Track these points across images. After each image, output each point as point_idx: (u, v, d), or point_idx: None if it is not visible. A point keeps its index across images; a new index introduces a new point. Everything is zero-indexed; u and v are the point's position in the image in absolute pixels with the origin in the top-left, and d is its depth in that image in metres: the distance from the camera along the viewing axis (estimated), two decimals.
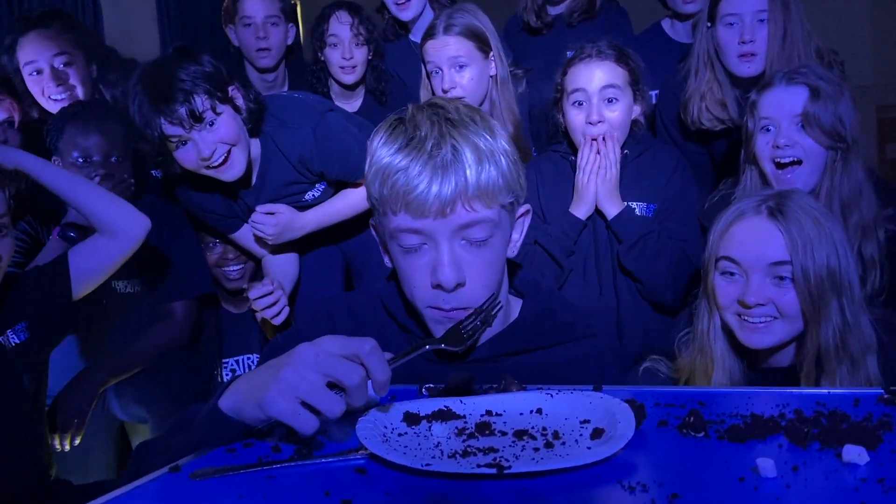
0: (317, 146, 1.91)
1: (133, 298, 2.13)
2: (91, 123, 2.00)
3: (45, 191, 1.77)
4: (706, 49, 1.96)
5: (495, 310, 1.00)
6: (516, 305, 1.18)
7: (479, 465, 0.69)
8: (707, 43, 1.96)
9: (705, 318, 1.38)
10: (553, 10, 2.56)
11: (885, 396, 0.88)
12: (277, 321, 1.92)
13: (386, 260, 1.13)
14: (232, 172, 1.83)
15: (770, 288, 1.29)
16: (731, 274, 1.33)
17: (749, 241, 1.31)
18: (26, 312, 1.68)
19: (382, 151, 1.00)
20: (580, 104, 1.88)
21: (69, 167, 1.98)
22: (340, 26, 2.36)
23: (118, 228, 1.75)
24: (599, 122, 1.86)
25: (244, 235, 2.08)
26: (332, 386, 0.77)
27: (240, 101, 1.83)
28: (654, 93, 2.27)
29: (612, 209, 1.89)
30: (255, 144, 1.93)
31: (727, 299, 1.33)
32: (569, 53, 2.00)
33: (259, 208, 2.00)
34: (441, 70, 2.05)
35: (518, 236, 1.12)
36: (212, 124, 1.76)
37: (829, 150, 1.62)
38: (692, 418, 0.80)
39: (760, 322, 1.29)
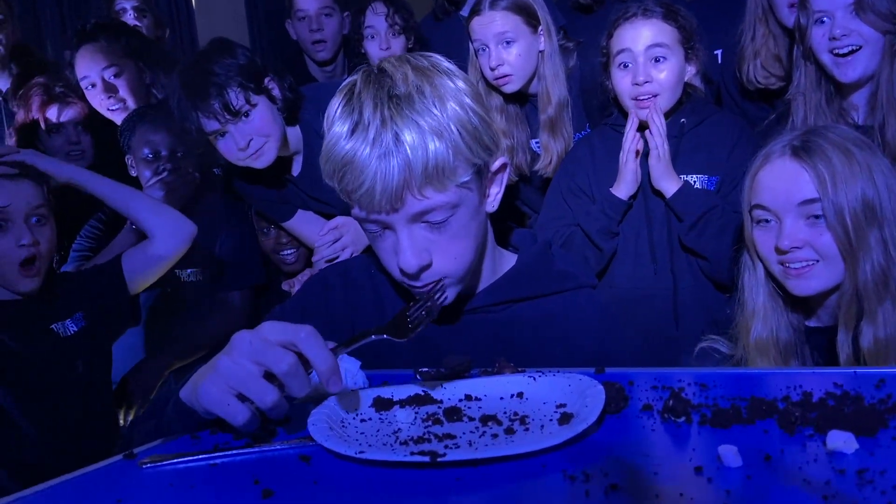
0: None
1: (196, 287, 2.22)
2: (158, 123, 2.13)
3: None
4: (759, 4, 1.82)
5: (440, 300, 0.95)
6: (511, 259, 1.15)
7: (412, 454, 0.65)
8: None
9: (747, 272, 1.30)
10: None
11: None
12: None
13: None
14: (263, 160, 1.86)
15: (804, 229, 1.20)
16: (766, 221, 1.25)
17: (776, 184, 1.22)
18: (83, 304, 1.79)
19: (334, 131, 0.96)
20: (626, 66, 1.77)
21: (141, 163, 2.14)
22: (376, 17, 2.35)
23: (165, 234, 1.85)
24: (647, 82, 1.73)
25: (297, 223, 2.11)
26: (271, 376, 0.74)
27: (275, 91, 1.85)
28: (718, 52, 2.12)
29: (669, 186, 1.76)
30: (297, 132, 1.94)
31: (766, 249, 1.25)
32: None
33: (319, 234, 2.03)
34: (488, 47, 1.98)
35: (498, 189, 1.06)
36: (246, 115, 1.78)
37: (887, 34, 1.51)
38: (672, 401, 0.72)
39: (803, 267, 1.20)
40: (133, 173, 2.15)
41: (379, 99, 0.93)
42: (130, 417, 2.01)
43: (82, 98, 2.32)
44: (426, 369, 0.98)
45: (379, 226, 0.98)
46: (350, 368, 0.96)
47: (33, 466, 1.67)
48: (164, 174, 2.09)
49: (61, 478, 0.72)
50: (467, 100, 0.96)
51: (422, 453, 0.64)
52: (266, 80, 1.83)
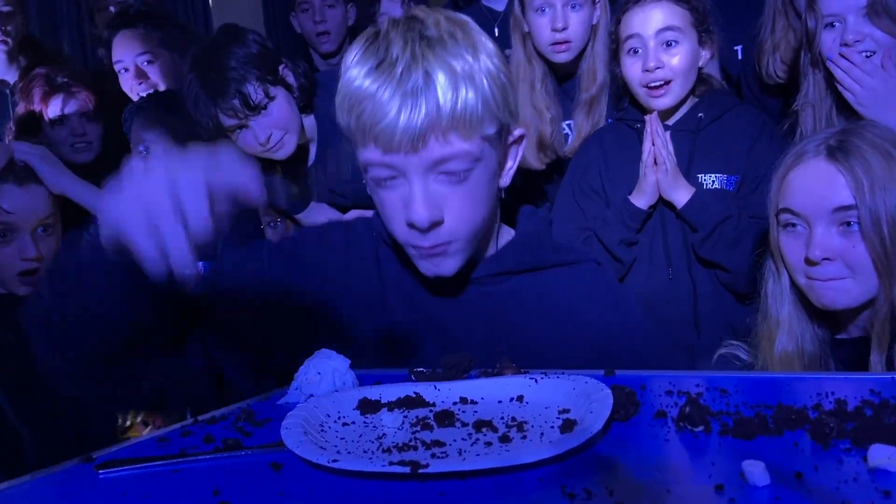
0: None
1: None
2: (154, 116, 2.07)
3: None
4: None
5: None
6: (512, 232, 1.11)
7: (391, 463, 0.57)
8: None
9: (771, 280, 1.21)
10: None
11: None
12: None
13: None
14: (283, 152, 1.85)
15: (836, 239, 1.11)
16: (793, 226, 1.15)
17: (808, 187, 1.13)
18: None
19: (352, 73, 0.90)
20: (636, 52, 1.68)
21: (137, 156, 2.06)
22: (391, 3, 2.29)
23: None
24: (658, 68, 1.65)
25: (310, 215, 2.06)
26: None
27: (291, 79, 1.82)
28: (738, 47, 2.04)
29: (679, 197, 1.66)
30: (311, 120, 1.91)
31: (794, 257, 1.15)
32: None
33: None
34: (554, 7, 1.86)
35: (512, 163, 1.02)
36: (265, 108, 1.76)
37: None
38: (689, 408, 0.64)
39: (831, 281, 1.11)
40: None
41: (410, 38, 0.88)
42: (129, 419, 1.95)
43: (88, 87, 2.27)
44: (421, 369, 0.91)
45: (391, 171, 0.91)
46: (338, 367, 0.89)
47: (30, 468, 1.62)
48: None
49: (8, 483, 0.65)
50: (496, 59, 0.93)
51: (402, 464, 0.57)
52: (281, 69, 1.80)
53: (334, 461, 0.59)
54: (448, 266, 0.97)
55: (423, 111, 0.86)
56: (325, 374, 0.86)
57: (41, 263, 1.60)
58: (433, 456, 0.61)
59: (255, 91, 1.72)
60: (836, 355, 1.20)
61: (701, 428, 0.63)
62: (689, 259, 1.72)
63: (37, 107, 2.27)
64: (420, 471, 0.56)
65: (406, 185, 0.91)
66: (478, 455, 0.61)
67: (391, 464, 0.57)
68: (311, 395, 0.83)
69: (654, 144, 1.65)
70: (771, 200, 1.20)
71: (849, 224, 1.10)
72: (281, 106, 1.78)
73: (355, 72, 0.89)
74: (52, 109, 2.24)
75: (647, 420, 0.68)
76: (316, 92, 1.90)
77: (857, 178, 1.07)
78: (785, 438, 0.60)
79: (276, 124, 1.78)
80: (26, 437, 1.62)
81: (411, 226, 0.92)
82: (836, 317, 1.18)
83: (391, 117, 0.86)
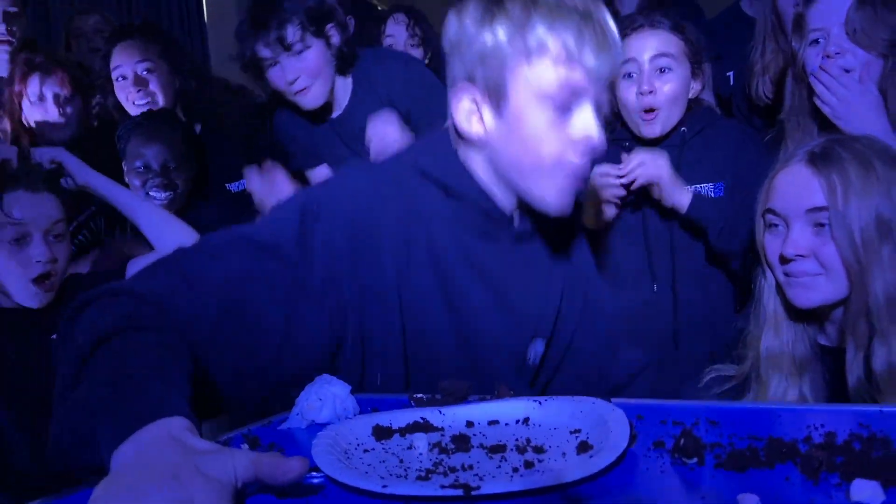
0: (407, 79, 2.03)
1: None
2: (153, 133, 2.09)
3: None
4: (769, 19, 1.80)
5: None
6: None
7: (442, 486, 0.59)
8: (768, 13, 1.80)
9: (760, 279, 1.27)
10: (624, 10, 2.39)
11: None
12: None
13: (469, 131, 1.06)
14: (307, 100, 1.98)
15: (810, 238, 1.16)
16: (776, 226, 1.22)
17: (788, 189, 1.19)
18: None
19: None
20: (631, 76, 1.73)
21: (132, 173, 2.09)
22: (396, 27, 2.35)
23: (168, 248, 1.79)
24: (650, 92, 1.69)
25: (318, 175, 2.13)
26: None
27: (335, 40, 1.95)
28: (731, 73, 2.09)
29: (682, 199, 1.68)
30: (348, 83, 2.04)
31: (773, 255, 1.21)
32: None
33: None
34: None
35: None
36: (300, 53, 1.90)
37: (883, 56, 1.43)
38: (683, 440, 0.66)
39: (805, 276, 1.16)
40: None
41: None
42: None
43: (63, 68, 2.31)
44: (419, 395, 0.92)
45: (579, 93, 1.02)
46: (339, 393, 0.90)
47: (26, 476, 1.61)
48: (151, 188, 2.06)
49: None
50: None
51: (453, 486, 0.59)
52: (328, 27, 1.93)
53: (385, 486, 0.60)
54: None
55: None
56: (325, 399, 0.88)
57: (55, 266, 1.63)
58: (457, 480, 0.62)
59: (293, 33, 1.87)
60: (823, 361, 1.23)
61: (695, 460, 0.65)
62: (674, 272, 1.75)
63: (17, 87, 2.31)
64: (473, 493, 0.57)
65: (585, 110, 1.04)
66: (521, 476, 0.63)
67: (443, 486, 0.59)
68: (313, 421, 0.85)
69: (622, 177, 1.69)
70: (759, 203, 1.25)
71: (821, 225, 1.15)
72: (315, 56, 1.91)
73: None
74: (32, 88, 2.30)
75: (643, 451, 0.69)
76: (355, 63, 2.01)
77: (832, 183, 1.13)
78: (776, 471, 0.62)
79: (306, 70, 1.91)
80: (21, 448, 1.62)
81: (586, 137, 1.04)
82: (816, 318, 1.22)
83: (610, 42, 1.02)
